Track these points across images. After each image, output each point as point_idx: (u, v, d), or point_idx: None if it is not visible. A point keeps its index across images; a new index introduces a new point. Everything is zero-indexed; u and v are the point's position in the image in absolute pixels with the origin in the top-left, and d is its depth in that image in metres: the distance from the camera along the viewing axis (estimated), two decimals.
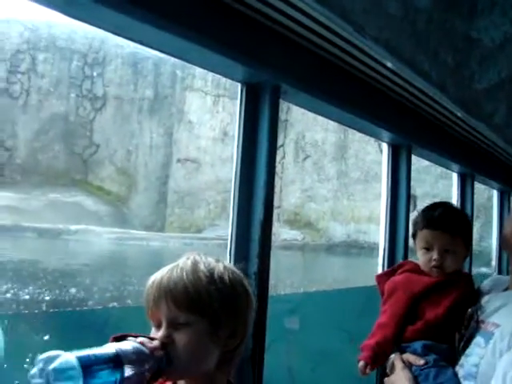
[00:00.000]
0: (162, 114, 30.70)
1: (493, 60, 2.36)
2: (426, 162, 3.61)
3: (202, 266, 1.19)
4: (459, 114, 2.79)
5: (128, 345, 1.09)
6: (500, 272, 4.28)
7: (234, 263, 1.73)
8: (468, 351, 1.55)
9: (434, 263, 1.74)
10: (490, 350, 1.44)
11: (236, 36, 1.63)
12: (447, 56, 2.14)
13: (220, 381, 1.22)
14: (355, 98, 2.21)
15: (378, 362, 1.71)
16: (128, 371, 1.04)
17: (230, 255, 1.75)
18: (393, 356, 1.68)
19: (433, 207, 1.85)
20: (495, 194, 4.56)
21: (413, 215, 2.06)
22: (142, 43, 1.54)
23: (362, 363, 1.69)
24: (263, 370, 1.80)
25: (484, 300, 1.66)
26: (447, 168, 3.70)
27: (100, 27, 1.46)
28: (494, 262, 4.56)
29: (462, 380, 1.51)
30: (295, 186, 23.83)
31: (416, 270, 1.80)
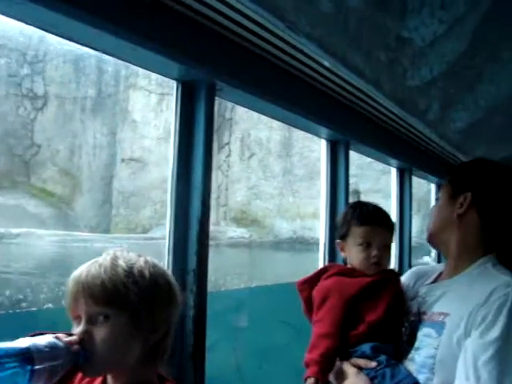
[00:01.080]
0: (106, 113, 30.20)
1: (424, 58, 2.42)
2: (369, 159, 3.69)
3: (121, 261, 1.18)
4: (395, 111, 2.86)
5: (42, 339, 1.08)
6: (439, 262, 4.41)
7: (173, 261, 1.74)
8: (417, 344, 1.56)
9: (374, 260, 1.71)
10: (446, 339, 1.46)
11: (170, 34, 1.62)
12: (380, 54, 2.19)
13: (145, 376, 1.20)
14: (292, 95, 2.23)
15: (327, 373, 1.61)
16: (39, 365, 1.03)
17: (169, 253, 1.74)
18: (338, 364, 1.62)
19: (361, 205, 1.84)
20: (433, 187, 4.70)
21: None
22: (73, 40, 1.52)
23: (312, 380, 1.56)
24: (205, 366, 1.80)
25: (423, 291, 1.67)
26: (386, 163, 3.78)
27: (29, 24, 1.43)
28: (433, 254, 4.70)
29: (416, 373, 1.52)
30: (241, 184, 23.86)
31: (345, 271, 1.75)
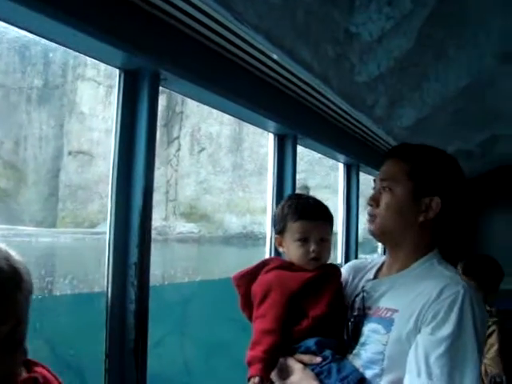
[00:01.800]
0: (53, 104, 29.50)
1: (372, 54, 2.43)
2: (319, 155, 3.70)
3: None
4: (342, 106, 2.87)
5: None
6: None
7: (114, 254, 1.69)
8: (363, 340, 1.55)
9: (313, 255, 1.67)
10: (395, 336, 1.47)
11: (113, 20, 1.57)
12: (328, 48, 2.19)
13: (2, 371, 1.06)
14: (239, 87, 2.20)
15: (271, 371, 1.56)
16: None
17: (109, 245, 1.69)
18: (281, 360, 1.58)
19: (297, 198, 1.79)
20: None
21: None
22: (10, 23, 1.44)
23: (257, 379, 1.48)
24: (147, 362, 1.76)
25: (368, 286, 1.65)
26: (333, 158, 3.81)
27: None
28: (379, 249, 4.77)
29: (363, 368, 1.51)
30: (191, 179, 23.69)
31: (285, 266, 1.70)
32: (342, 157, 3.73)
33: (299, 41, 2.01)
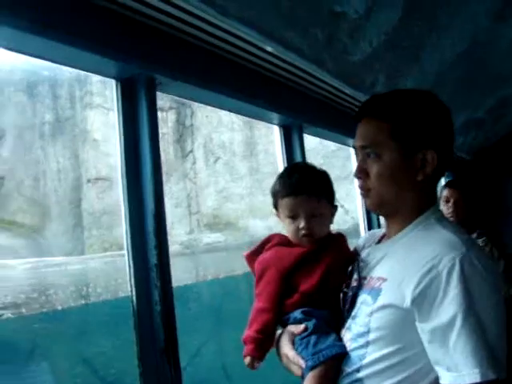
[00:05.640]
0: (66, 136, 29.81)
1: (361, 31, 2.44)
2: (333, 147, 3.70)
3: None
4: (342, 88, 2.87)
5: None
6: None
7: (133, 257, 1.72)
8: (354, 312, 1.43)
9: (302, 232, 1.60)
10: (379, 307, 1.34)
11: (103, 31, 1.61)
12: (316, 31, 2.20)
13: None
14: (236, 82, 2.22)
15: (266, 350, 1.53)
16: None
17: (128, 250, 1.73)
18: (278, 332, 1.57)
19: (290, 172, 1.70)
20: None
21: None
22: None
23: (248, 359, 1.49)
24: (179, 360, 1.79)
25: (364, 254, 1.54)
26: (342, 143, 3.79)
27: None
28: None
29: (350, 342, 1.40)
30: (210, 189, 23.71)
31: (284, 242, 1.65)
32: (350, 141, 3.72)
33: (287, 27, 2.02)
